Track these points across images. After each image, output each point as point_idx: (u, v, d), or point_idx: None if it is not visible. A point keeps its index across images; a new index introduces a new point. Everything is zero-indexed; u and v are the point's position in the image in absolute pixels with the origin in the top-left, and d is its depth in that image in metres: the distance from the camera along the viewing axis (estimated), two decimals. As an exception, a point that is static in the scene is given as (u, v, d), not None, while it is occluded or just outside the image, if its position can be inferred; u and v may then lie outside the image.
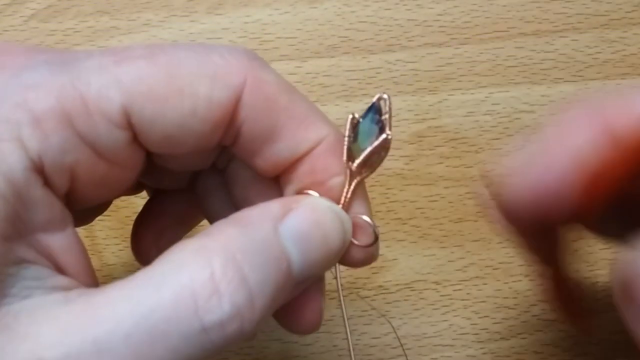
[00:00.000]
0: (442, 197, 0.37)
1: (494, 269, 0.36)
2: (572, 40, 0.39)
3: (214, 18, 0.38)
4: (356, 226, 0.24)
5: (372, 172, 0.24)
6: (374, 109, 0.24)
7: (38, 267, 0.21)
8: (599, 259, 0.37)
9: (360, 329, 0.35)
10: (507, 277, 0.36)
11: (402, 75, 0.38)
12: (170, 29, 0.38)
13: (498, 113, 0.38)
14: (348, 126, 0.24)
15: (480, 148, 0.37)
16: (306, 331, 0.25)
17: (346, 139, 0.24)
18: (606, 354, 0.36)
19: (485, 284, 0.36)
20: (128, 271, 0.34)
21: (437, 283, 0.36)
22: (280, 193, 0.25)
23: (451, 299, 0.36)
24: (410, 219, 0.37)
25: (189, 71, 0.22)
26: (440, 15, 0.39)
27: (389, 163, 0.37)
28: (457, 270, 0.36)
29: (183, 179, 0.28)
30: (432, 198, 0.37)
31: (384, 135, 0.23)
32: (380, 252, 0.36)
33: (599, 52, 0.38)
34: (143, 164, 0.24)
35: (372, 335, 0.35)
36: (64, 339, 0.19)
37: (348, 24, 0.39)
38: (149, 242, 0.29)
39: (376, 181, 0.37)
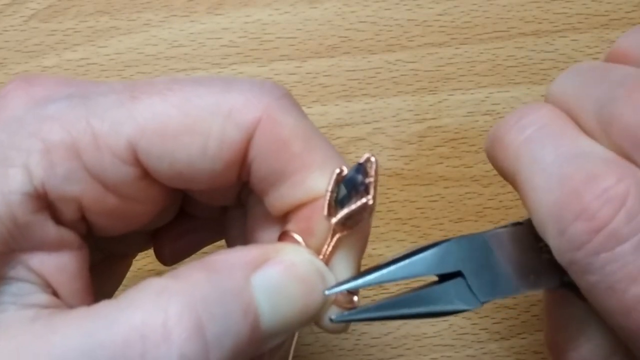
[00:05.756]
0: (442, 197, 0.37)
1: (494, 269, 0.36)
2: (572, 40, 0.39)
3: (214, 18, 0.38)
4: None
5: (355, 231, 0.23)
6: (361, 169, 0.23)
7: (21, 284, 0.21)
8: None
9: (360, 329, 0.35)
10: (507, 277, 0.36)
11: (402, 75, 0.38)
12: (170, 29, 0.38)
13: (498, 113, 0.38)
14: (332, 181, 0.23)
15: (480, 148, 0.37)
16: None
17: (328, 193, 0.23)
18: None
19: (485, 284, 0.36)
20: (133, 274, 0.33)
21: (437, 283, 0.36)
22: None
23: (451, 299, 0.36)
24: (410, 219, 0.37)
25: (203, 109, 0.22)
26: (440, 15, 0.39)
27: (389, 163, 0.37)
28: (457, 270, 0.36)
29: (215, 211, 0.28)
30: (432, 198, 0.37)
31: (364, 200, 0.22)
32: (380, 252, 0.36)
33: (599, 52, 0.38)
34: (167, 199, 0.24)
35: (372, 335, 0.35)
36: (13, 357, 0.19)
37: (348, 24, 0.39)
38: (165, 240, 0.29)
39: (376, 181, 0.37)
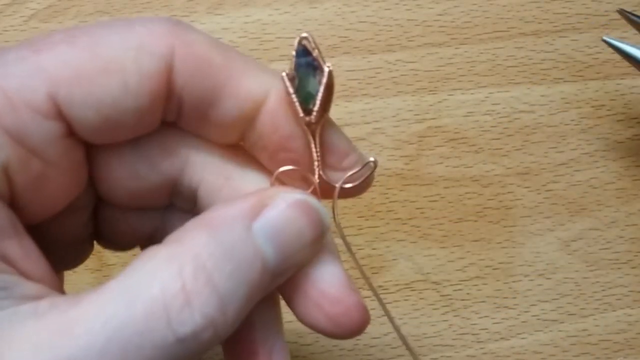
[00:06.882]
0: (442, 197, 0.37)
1: (493, 269, 0.36)
2: (572, 40, 0.39)
3: (214, 18, 0.38)
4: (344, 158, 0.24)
5: (329, 110, 0.24)
6: (303, 53, 0.23)
7: (4, 276, 0.20)
8: (599, 259, 0.37)
9: (360, 329, 0.35)
10: (507, 277, 0.36)
11: (402, 75, 0.38)
12: (170, 29, 0.38)
13: (498, 113, 0.38)
14: (288, 83, 0.23)
15: (480, 148, 0.37)
16: (345, 330, 0.24)
17: (293, 96, 0.23)
18: (606, 354, 0.36)
19: (485, 284, 0.36)
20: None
21: (437, 283, 0.36)
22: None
23: (451, 299, 0.36)
24: (410, 219, 0.37)
25: (113, 47, 0.22)
26: (440, 15, 0.39)
27: (389, 163, 0.37)
28: (457, 270, 0.36)
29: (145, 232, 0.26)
30: (432, 198, 0.37)
31: (326, 70, 0.23)
32: (380, 252, 0.36)
33: (599, 52, 0.38)
34: (86, 169, 0.23)
35: (372, 335, 0.35)
36: (36, 358, 0.19)
37: (348, 24, 0.39)
38: None
39: (376, 181, 0.36)
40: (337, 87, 0.38)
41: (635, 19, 0.36)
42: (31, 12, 0.38)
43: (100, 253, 0.35)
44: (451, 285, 0.36)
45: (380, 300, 0.26)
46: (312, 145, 0.23)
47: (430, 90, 0.38)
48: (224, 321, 0.20)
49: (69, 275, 0.28)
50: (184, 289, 0.20)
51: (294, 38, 0.39)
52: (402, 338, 0.27)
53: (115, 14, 0.38)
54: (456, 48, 0.38)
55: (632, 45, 0.35)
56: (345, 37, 0.38)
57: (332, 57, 0.38)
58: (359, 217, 0.36)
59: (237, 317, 0.21)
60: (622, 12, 0.36)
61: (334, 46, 0.38)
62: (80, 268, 0.28)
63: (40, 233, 0.23)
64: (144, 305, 0.19)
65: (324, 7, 0.39)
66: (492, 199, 0.37)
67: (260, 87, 0.23)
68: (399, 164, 0.37)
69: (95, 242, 0.27)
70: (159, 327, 0.19)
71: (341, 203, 0.36)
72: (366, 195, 0.37)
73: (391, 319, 0.26)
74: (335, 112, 0.38)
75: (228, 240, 0.21)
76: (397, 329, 0.26)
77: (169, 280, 0.20)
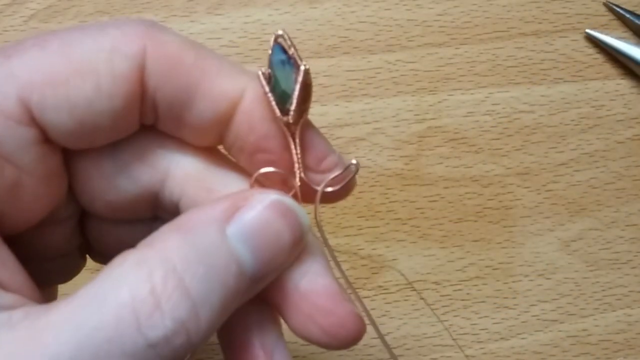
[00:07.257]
0: (442, 197, 0.37)
1: (493, 269, 0.36)
2: (572, 40, 0.39)
3: (214, 18, 0.38)
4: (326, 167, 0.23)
5: (308, 110, 0.23)
6: (279, 51, 0.22)
7: None
8: (599, 259, 0.37)
9: (360, 329, 0.35)
10: (506, 277, 0.36)
11: (402, 75, 0.38)
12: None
13: (498, 113, 0.38)
14: (264, 82, 0.22)
15: (480, 148, 0.37)
16: (337, 339, 0.23)
17: (270, 95, 0.22)
18: (606, 354, 0.36)
19: (484, 284, 0.36)
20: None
21: (437, 283, 0.36)
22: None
23: (451, 299, 0.36)
24: (410, 219, 0.37)
25: (85, 49, 0.21)
26: (440, 15, 0.39)
27: (389, 163, 0.37)
28: (456, 270, 0.36)
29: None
30: (432, 198, 0.37)
31: (302, 68, 0.22)
32: (380, 252, 0.36)
33: (599, 52, 0.38)
34: (65, 178, 0.23)
35: (372, 335, 0.35)
36: None
37: (348, 24, 0.39)
38: None
39: (376, 181, 0.37)
40: (337, 87, 0.38)
41: (620, 11, 0.36)
42: (31, 12, 0.38)
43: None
44: (451, 285, 0.36)
45: (364, 306, 0.25)
46: (292, 147, 0.23)
47: (430, 90, 0.38)
48: (197, 325, 0.20)
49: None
50: (154, 292, 0.19)
51: (294, 38, 0.39)
52: (381, 336, 0.26)
53: (115, 14, 0.38)
54: (456, 48, 0.38)
55: (615, 37, 0.35)
56: (345, 37, 0.38)
57: (332, 57, 0.38)
58: (359, 217, 0.36)
59: (212, 322, 0.20)
60: (607, 4, 0.37)
61: (334, 46, 0.38)
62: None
63: (23, 244, 0.23)
64: (113, 310, 0.19)
65: (324, 7, 0.39)
66: (492, 199, 0.37)
67: (234, 87, 0.22)
68: (399, 164, 0.37)
69: (89, 258, 0.27)
70: (129, 332, 0.19)
71: (341, 203, 0.36)
72: (366, 195, 0.37)
73: (372, 320, 0.26)
74: (335, 112, 0.38)
75: (201, 242, 0.20)
76: (377, 330, 0.26)
77: (138, 284, 0.19)
